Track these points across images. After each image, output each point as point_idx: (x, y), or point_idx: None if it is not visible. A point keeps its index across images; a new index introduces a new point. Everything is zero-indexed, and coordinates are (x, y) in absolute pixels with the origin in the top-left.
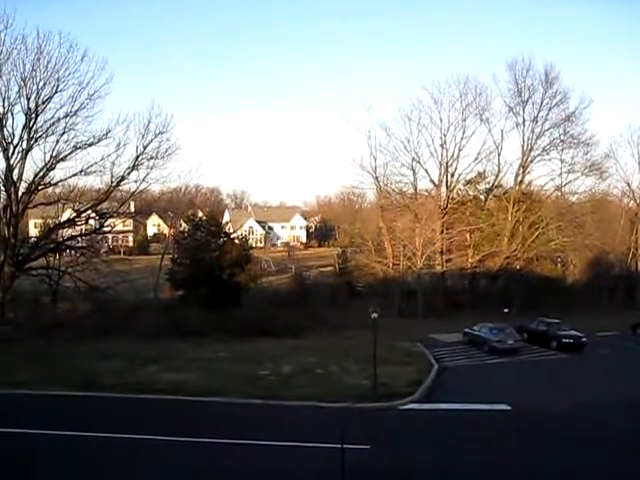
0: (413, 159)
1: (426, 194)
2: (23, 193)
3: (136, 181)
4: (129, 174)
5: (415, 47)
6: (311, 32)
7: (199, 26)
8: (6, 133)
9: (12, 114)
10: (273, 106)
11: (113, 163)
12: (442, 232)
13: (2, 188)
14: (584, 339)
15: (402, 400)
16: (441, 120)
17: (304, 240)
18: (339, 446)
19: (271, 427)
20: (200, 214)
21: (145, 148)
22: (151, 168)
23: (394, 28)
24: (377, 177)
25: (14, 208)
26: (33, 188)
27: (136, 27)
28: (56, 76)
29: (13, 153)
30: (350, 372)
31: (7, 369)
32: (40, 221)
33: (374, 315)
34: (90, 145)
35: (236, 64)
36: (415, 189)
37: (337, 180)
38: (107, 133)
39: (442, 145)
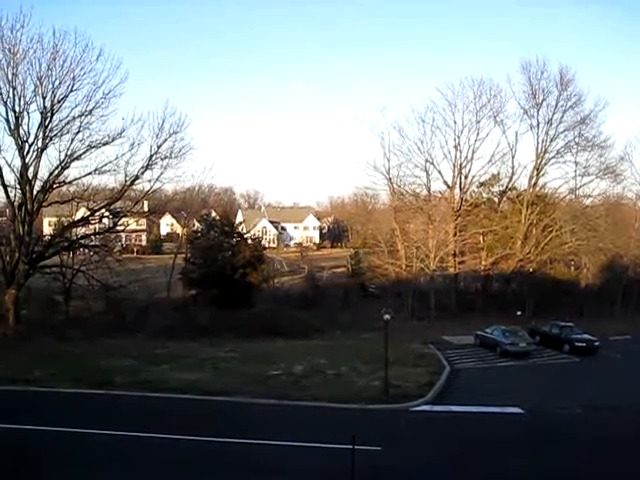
0: (427, 160)
1: (439, 196)
2: (38, 191)
3: (150, 180)
4: (143, 173)
5: (429, 49)
6: (326, 34)
7: (212, 26)
8: (22, 132)
9: (28, 113)
10: (287, 107)
11: (127, 162)
12: (455, 234)
13: (17, 186)
14: (597, 343)
15: (414, 402)
16: (455, 122)
17: (317, 241)
18: (350, 447)
19: (282, 427)
20: (213, 214)
21: (159, 147)
22: (165, 167)
23: (408, 30)
24: (390, 178)
25: (29, 206)
26: (48, 186)
27: (152, 27)
28: (71, 75)
29: (28, 152)
30: (361, 373)
31: (22, 366)
32: (54, 219)
33: (386, 317)
34: (105, 144)
35: (250, 65)
36: (428, 191)
37: (350, 181)
38: (121, 132)
39: (456, 147)
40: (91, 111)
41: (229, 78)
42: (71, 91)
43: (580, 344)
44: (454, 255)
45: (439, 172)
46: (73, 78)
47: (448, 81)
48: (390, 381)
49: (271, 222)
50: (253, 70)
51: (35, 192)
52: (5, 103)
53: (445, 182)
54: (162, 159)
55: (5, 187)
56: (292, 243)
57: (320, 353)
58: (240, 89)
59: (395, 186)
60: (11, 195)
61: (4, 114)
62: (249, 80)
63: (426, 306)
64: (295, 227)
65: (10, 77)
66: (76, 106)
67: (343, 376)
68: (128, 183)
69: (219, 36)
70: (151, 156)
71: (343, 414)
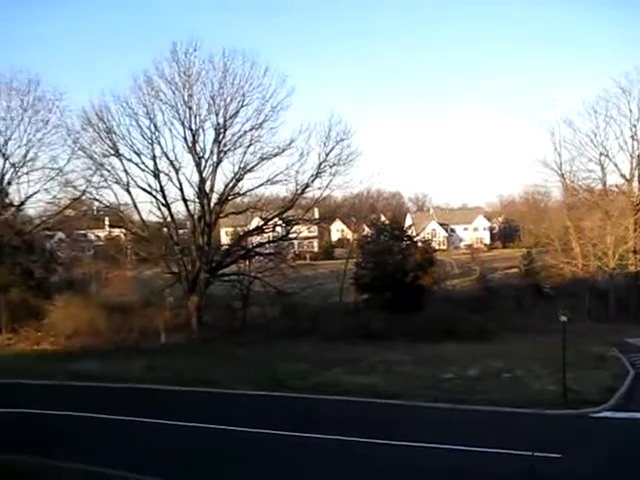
0: (601, 153)
1: (617, 190)
2: (215, 204)
3: (319, 188)
4: (313, 181)
5: (597, 39)
6: (491, 29)
7: (372, 31)
8: (198, 148)
9: (203, 130)
10: (451, 106)
11: (297, 172)
12: (636, 230)
13: (196, 200)
14: None
15: (595, 408)
16: (630, 111)
17: (487, 241)
18: (529, 453)
19: (457, 431)
20: (383, 218)
21: (327, 155)
22: (333, 175)
23: (575, 23)
24: (562, 174)
25: (207, 218)
26: (224, 199)
27: (318, 40)
28: (241, 92)
29: (205, 167)
30: (538, 376)
31: (203, 369)
32: (231, 230)
33: (563, 318)
34: (275, 155)
35: (412, 66)
36: (604, 185)
37: (520, 179)
38: (290, 143)
39: (633, 137)
40: (261, 124)
41: (392, 81)
42: (242, 107)
43: None
44: (634, 252)
45: (615, 165)
46: (243, 94)
47: (621, 69)
48: (569, 385)
49: (440, 224)
50: (414, 71)
51: (212, 204)
52: (182, 123)
53: (622, 175)
54: (330, 167)
55: (185, 201)
56: (462, 245)
57: (494, 356)
58: (403, 92)
59: (568, 182)
60: (191, 208)
61: (182, 133)
62: (411, 82)
63: (604, 306)
64: (465, 228)
65: (186, 98)
66: (247, 121)
67: (518, 379)
68: (299, 192)
69: (382, 39)
70: (320, 164)
71: (520, 419)
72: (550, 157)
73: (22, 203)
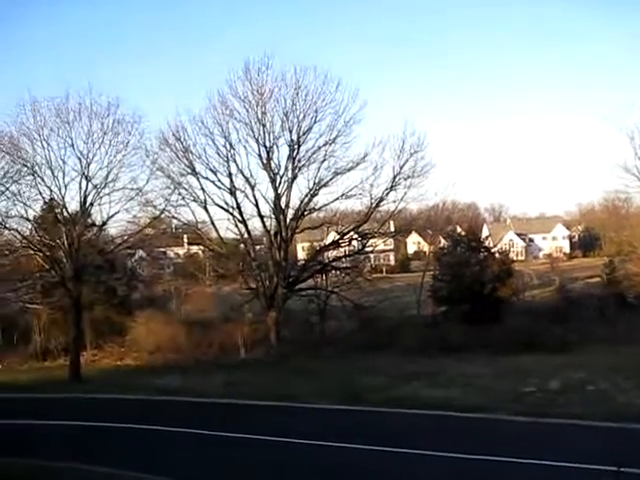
0: None
1: None
2: (291, 219)
3: (394, 201)
4: (387, 195)
5: None
6: (562, 31)
7: (443, 41)
8: (273, 165)
9: (277, 147)
10: (525, 114)
11: (371, 185)
12: None
13: (272, 216)
14: None
15: None
16: None
17: (567, 251)
18: (614, 469)
19: (539, 446)
20: (459, 230)
21: (401, 168)
22: (408, 187)
23: None
24: None
25: (284, 234)
26: (299, 214)
27: (388, 53)
28: (314, 108)
29: (280, 183)
30: (623, 390)
31: (283, 383)
32: (307, 244)
33: None
34: (349, 170)
35: (485, 74)
36: None
37: (599, 186)
38: (364, 157)
39: None
40: (334, 139)
41: (467, 88)
42: (315, 122)
43: None
44: None
45: None
46: (316, 110)
47: None
48: None
49: (517, 234)
50: (486, 80)
51: (288, 220)
52: (257, 140)
53: None
54: (405, 179)
55: (262, 217)
56: (541, 254)
57: (576, 368)
58: (476, 101)
59: None
60: (267, 224)
61: (257, 150)
62: (483, 90)
63: None
64: (543, 238)
65: (260, 116)
66: (320, 136)
67: (602, 392)
68: (374, 205)
69: (456, 51)
70: (394, 177)
71: (604, 433)
72: (631, 162)
73: (104, 223)
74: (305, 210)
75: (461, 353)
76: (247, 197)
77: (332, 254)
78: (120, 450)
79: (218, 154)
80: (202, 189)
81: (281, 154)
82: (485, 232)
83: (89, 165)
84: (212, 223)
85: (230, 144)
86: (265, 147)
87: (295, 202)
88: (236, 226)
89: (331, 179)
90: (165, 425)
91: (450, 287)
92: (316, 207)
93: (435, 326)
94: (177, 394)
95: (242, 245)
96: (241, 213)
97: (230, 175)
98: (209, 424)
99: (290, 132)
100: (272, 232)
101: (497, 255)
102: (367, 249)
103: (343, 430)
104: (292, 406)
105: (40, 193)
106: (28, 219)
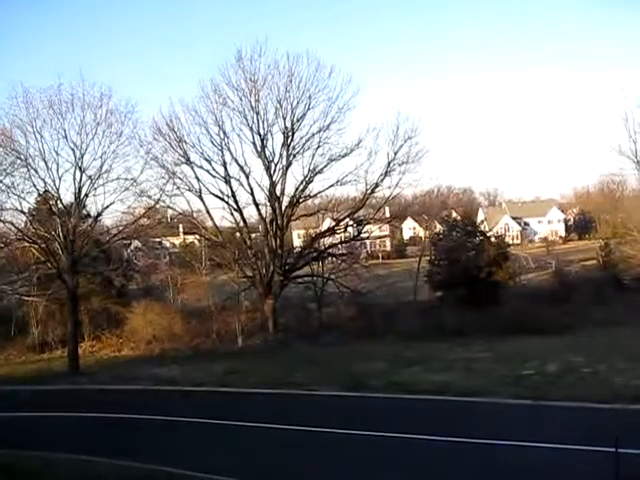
0: None
1: None
2: (286, 207)
3: (389, 187)
4: (382, 181)
5: None
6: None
7: (436, 27)
8: (267, 153)
9: (271, 134)
10: (521, 98)
11: (366, 171)
12: None
13: (267, 204)
14: None
15: None
16: None
17: (562, 234)
18: (613, 450)
19: (538, 428)
20: (454, 214)
21: (396, 154)
22: (403, 173)
23: None
24: (638, 162)
25: (279, 221)
26: (295, 201)
27: (383, 40)
28: (307, 94)
29: (275, 170)
30: (621, 371)
31: (283, 371)
32: (302, 232)
33: None
34: (343, 156)
35: (485, 60)
36: None
37: (594, 169)
38: (358, 143)
39: None
40: (328, 126)
41: (459, 78)
42: (308, 109)
43: None
44: None
45: None
46: (309, 97)
47: None
48: None
49: (513, 218)
50: (484, 68)
51: (284, 207)
52: (251, 128)
53: None
54: (399, 165)
55: (257, 205)
56: (536, 238)
57: (573, 351)
58: (472, 87)
59: None
60: (262, 212)
61: (251, 138)
62: (480, 77)
63: None
64: (539, 221)
65: (253, 103)
66: (314, 123)
67: (600, 374)
68: (369, 191)
69: (447, 35)
70: (389, 163)
71: (602, 415)
72: (625, 145)
73: (99, 214)
74: (300, 197)
75: (459, 337)
76: (242, 185)
77: (328, 241)
78: (126, 441)
79: (212, 143)
80: (197, 178)
81: (275, 142)
82: (480, 216)
83: (83, 156)
84: (207, 212)
85: (224, 132)
86: (259, 135)
87: (290, 189)
88: (231, 214)
89: (326, 166)
90: (166, 415)
91: (446, 272)
92: (311, 194)
93: (432, 311)
94: (177, 383)
95: (238, 233)
96: (236, 201)
97: (224, 164)
98: (214, 413)
99: (284, 119)
100: (268, 220)
101: (493, 239)
102: (363, 235)
103: (343, 417)
104: (293, 393)
105: (34, 185)
106: (23, 211)
